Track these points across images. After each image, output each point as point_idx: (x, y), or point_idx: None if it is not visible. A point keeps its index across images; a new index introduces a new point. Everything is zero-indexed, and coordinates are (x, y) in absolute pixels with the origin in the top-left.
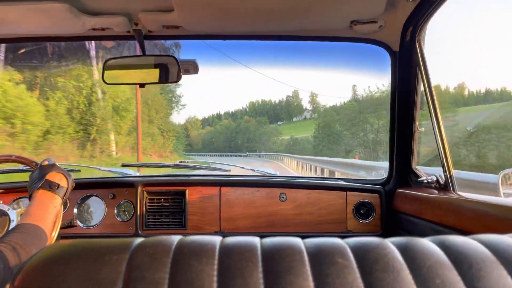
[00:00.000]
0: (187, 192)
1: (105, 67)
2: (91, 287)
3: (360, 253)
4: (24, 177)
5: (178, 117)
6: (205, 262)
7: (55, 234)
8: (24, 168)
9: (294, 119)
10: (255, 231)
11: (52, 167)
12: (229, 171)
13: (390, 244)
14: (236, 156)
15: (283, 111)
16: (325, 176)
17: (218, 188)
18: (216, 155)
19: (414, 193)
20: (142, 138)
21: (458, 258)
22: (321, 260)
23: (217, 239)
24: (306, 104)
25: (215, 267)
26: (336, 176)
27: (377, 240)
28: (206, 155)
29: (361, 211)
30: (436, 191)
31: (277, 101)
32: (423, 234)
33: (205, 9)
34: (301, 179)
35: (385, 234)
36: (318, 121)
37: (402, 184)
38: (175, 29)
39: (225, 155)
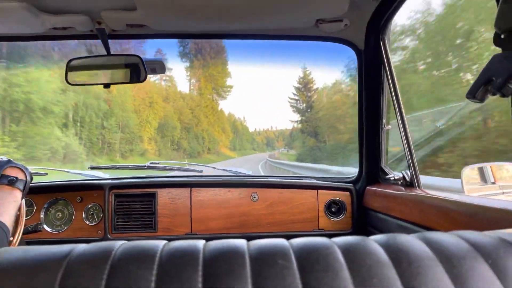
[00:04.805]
0: (157, 193)
1: (68, 68)
2: None
3: (302, 254)
4: None
5: None
6: (144, 267)
7: (18, 237)
8: None
9: None
10: (227, 232)
11: (7, 162)
12: (201, 171)
13: (333, 244)
14: None
15: None
16: (297, 175)
17: (189, 189)
18: None
19: (382, 190)
20: None
21: (398, 257)
22: (262, 262)
23: (160, 244)
24: None
25: (154, 272)
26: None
27: (322, 240)
28: None
29: (332, 209)
30: (402, 188)
31: None
32: (390, 231)
33: (168, 8)
34: (273, 178)
35: (355, 232)
36: None
37: (371, 181)
38: (139, 27)
39: None
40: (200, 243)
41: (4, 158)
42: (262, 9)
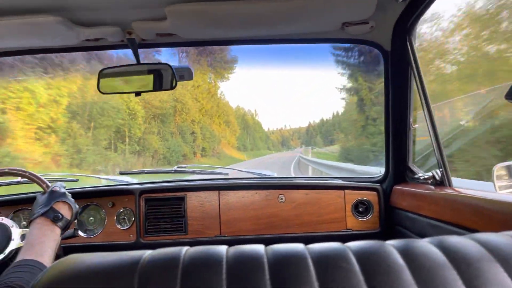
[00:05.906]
0: (186, 197)
1: (100, 76)
2: None
3: (362, 257)
4: (21, 189)
5: None
6: (213, 272)
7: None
8: (22, 180)
9: None
10: (256, 233)
11: (61, 195)
12: (227, 174)
13: (390, 247)
14: None
15: None
16: (323, 176)
17: (217, 192)
18: None
19: (410, 189)
20: None
21: (456, 258)
22: (325, 265)
23: (223, 249)
24: None
25: (223, 276)
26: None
27: (377, 243)
28: None
29: (360, 209)
30: (432, 187)
31: None
32: (420, 230)
33: (197, 17)
34: (298, 180)
35: (383, 231)
36: None
37: (398, 181)
38: (168, 36)
39: None
40: (261, 248)
41: (62, 188)
42: (289, 15)
